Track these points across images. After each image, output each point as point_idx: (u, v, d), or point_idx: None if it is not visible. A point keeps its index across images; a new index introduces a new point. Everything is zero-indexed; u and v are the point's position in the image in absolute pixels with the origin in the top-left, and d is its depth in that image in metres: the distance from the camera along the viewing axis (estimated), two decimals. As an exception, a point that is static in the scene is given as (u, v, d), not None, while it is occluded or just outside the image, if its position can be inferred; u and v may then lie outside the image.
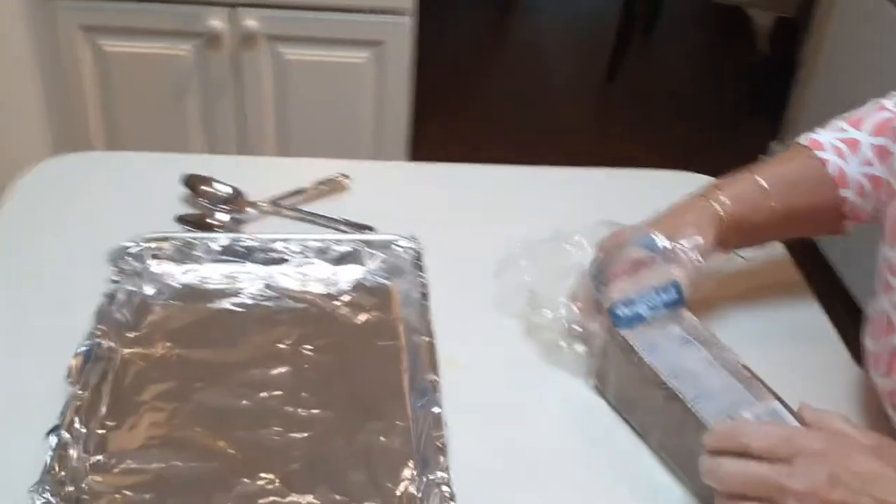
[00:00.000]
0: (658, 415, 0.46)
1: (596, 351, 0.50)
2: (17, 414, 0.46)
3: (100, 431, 0.45)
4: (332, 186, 0.67)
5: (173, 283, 0.55)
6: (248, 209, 0.64)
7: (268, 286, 0.56)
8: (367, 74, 1.22)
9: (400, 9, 1.17)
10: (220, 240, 0.57)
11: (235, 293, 0.55)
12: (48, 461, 0.41)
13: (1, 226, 0.61)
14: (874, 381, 0.49)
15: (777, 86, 1.74)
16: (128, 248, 0.56)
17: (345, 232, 0.62)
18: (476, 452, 0.45)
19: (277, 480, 0.43)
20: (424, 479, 0.43)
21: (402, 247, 0.58)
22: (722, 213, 0.52)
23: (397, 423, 0.47)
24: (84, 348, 0.47)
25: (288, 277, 0.57)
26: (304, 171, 0.68)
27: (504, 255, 0.55)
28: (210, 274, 0.56)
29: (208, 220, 0.62)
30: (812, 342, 0.56)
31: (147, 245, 0.56)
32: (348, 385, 0.49)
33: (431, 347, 0.49)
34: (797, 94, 1.64)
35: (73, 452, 0.42)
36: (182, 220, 0.62)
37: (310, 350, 0.51)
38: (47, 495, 0.39)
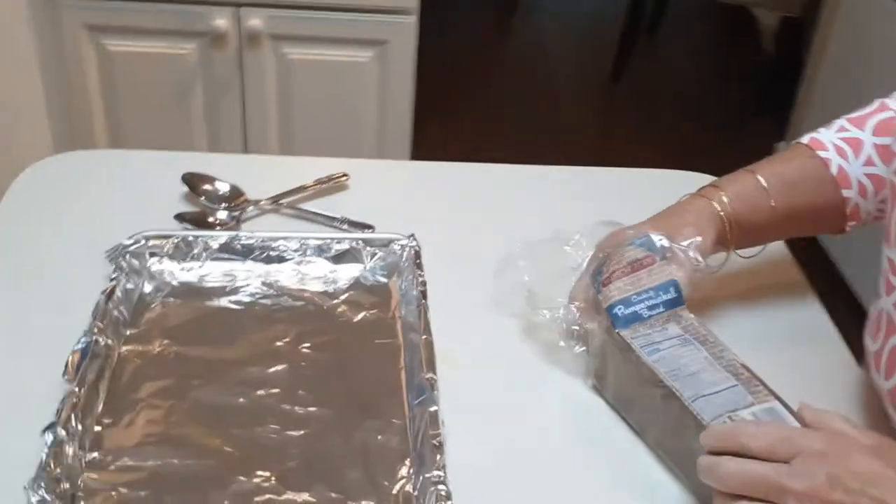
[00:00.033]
0: (656, 414, 0.46)
1: (594, 350, 0.50)
2: (14, 411, 0.46)
3: (96, 428, 0.45)
4: (331, 185, 0.67)
5: (172, 281, 0.56)
6: (248, 207, 0.64)
7: (266, 284, 0.56)
8: (370, 74, 1.22)
9: (403, 8, 1.17)
10: (220, 238, 0.57)
11: (234, 291, 0.55)
12: (44, 458, 0.41)
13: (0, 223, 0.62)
14: (875, 381, 0.48)
15: (782, 86, 1.73)
16: (127, 245, 0.56)
17: (344, 230, 0.62)
18: (473, 451, 0.45)
19: (274, 478, 0.43)
20: (421, 478, 0.43)
21: (401, 245, 0.58)
22: (722, 213, 0.52)
23: (394, 421, 0.47)
24: (81, 345, 0.47)
25: (286, 275, 0.57)
26: (305, 169, 0.68)
27: (503, 255, 0.55)
28: (209, 272, 0.56)
29: (208, 219, 0.62)
30: (813, 342, 0.56)
31: (146, 243, 0.56)
32: (346, 383, 0.49)
33: (429, 346, 0.49)
34: (803, 94, 1.64)
35: (68, 449, 0.42)
36: (181, 217, 0.62)
37: (307, 348, 0.51)
38: (42, 492, 0.39)
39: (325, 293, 0.55)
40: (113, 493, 0.42)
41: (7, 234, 0.61)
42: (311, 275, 0.57)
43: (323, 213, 0.63)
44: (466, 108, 1.86)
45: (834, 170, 0.52)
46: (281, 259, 0.57)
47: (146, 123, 1.24)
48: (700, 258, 0.50)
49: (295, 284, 0.56)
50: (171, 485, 0.43)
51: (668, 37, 2.29)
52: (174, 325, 0.52)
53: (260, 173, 0.69)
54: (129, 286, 0.54)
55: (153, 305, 0.54)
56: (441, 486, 0.41)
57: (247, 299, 0.55)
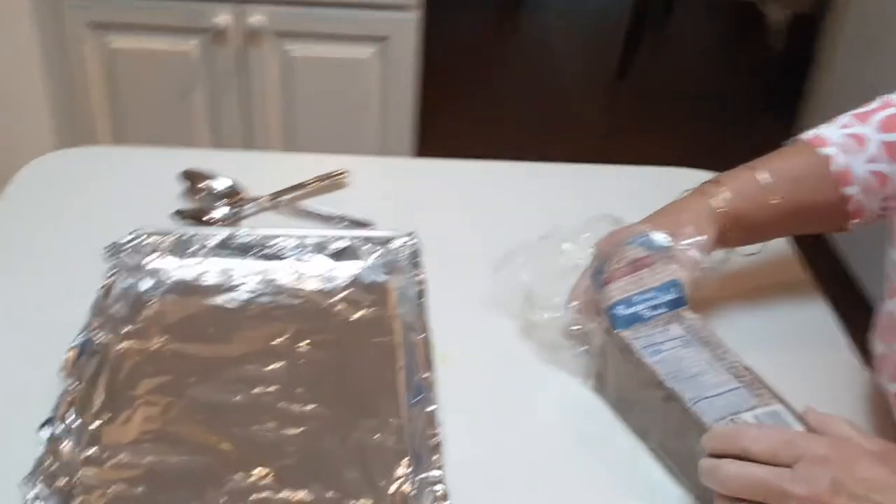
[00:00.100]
0: (657, 416, 0.45)
1: (594, 351, 0.50)
2: (12, 407, 0.46)
3: (93, 425, 0.45)
4: (331, 182, 0.66)
5: (170, 278, 0.55)
6: (247, 204, 0.63)
7: (264, 281, 0.56)
8: (372, 70, 1.22)
9: (405, 4, 1.17)
10: (218, 235, 0.57)
11: (232, 288, 0.55)
12: (40, 454, 0.41)
13: None
14: (882, 384, 0.48)
15: (792, 82, 1.72)
16: (125, 242, 0.56)
17: (343, 228, 0.61)
18: (471, 452, 0.45)
19: (270, 476, 0.43)
20: (418, 478, 0.42)
21: (400, 243, 0.57)
22: (723, 210, 0.51)
23: (391, 420, 0.46)
24: (79, 341, 0.47)
25: (285, 273, 0.56)
26: (305, 166, 0.67)
27: (503, 253, 0.55)
28: (207, 269, 0.56)
29: (206, 216, 0.62)
30: (818, 343, 0.55)
31: (145, 239, 0.56)
32: (343, 381, 0.49)
33: (427, 345, 0.49)
34: (812, 90, 1.62)
35: (65, 446, 0.42)
36: (180, 214, 0.61)
37: (305, 346, 0.51)
38: (39, 488, 0.39)
39: (323, 291, 0.55)
40: (109, 489, 0.42)
41: (6, 231, 0.61)
42: (310, 272, 0.57)
43: (322, 210, 0.63)
44: (470, 106, 1.86)
45: (836, 167, 0.52)
46: (279, 256, 0.57)
47: (148, 120, 1.24)
48: (703, 257, 0.49)
49: (293, 282, 0.56)
50: (168, 482, 0.43)
51: (676, 33, 2.28)
52: (172, 321, 0.52)
53: (260, 170, 0.68)
54: (128, 283, 0.54)
55: (151, 302, 0.53)
56: (438, 486, 0.41)
57: (245, 297, 0.55)
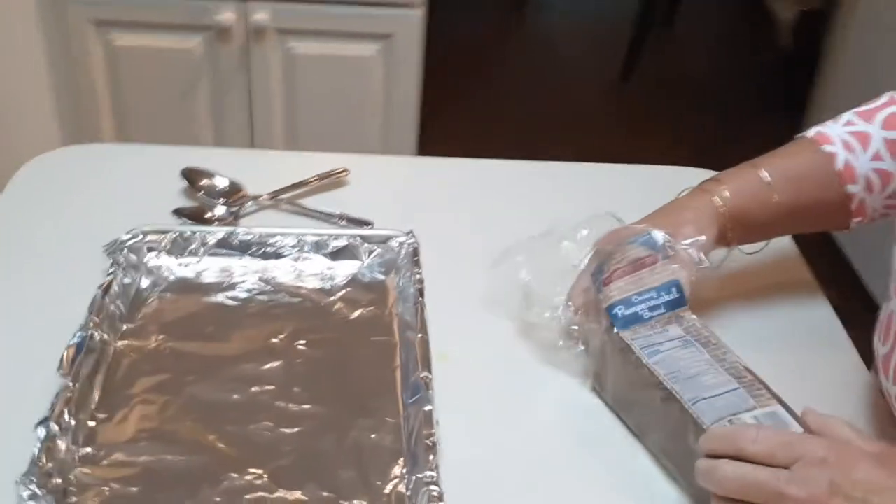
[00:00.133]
0: (656, 416, 0.45)
1: (594, 351, 0.49)
2: (8, 405, 0.46)
3: (90, 423, 0.45)
4: (331, 180, 0.66)
5: (169, 276, 0.55)
6: (247, 203, 0.63)
7: (263, 280, 0.56)
8: (376, 68, 1.21)
9: (409, 2, 1.17)
10: (217, 233, 0.57)
11: (231, 287, 0.55)
12: (36, 453, 0.41)
13: (-1, 217, 0.62)
14: (883, 385, 0.47)
15: (800, 80, 1.70)
16: (125, 240, 0.55)
17: (342, 227, 0.61)
18: (468, 452, 0.44)
19: (266, 476, 0.43)
20: (414, 478, 0.42)
21: (399, 242, 0.57)
22: (724, 209, 0.50)
23: (388, 420, 0.46)
24: (77, 340, 0.47)
25: (283, 272, 0.56)
26: (305, 164, 0.67)
27: (502, 253, 0.54)
28: (206, 267, 0.56)
29: (206, 214, 0.62)
30: (820, 344, 0.55)
31: (144, 238, 0.56)
32: (341, 381, 0.49)
33: (425, 344, 0.49)
34: (820, 88, 1.60)
35: (61, 444, 0.42)
36: (180, 212, 0.61)
37: (303, 345, 0.51)
38: (34, 487, 0.39)
39: (321, 290, 0.55)
40: (105, 488, 0.42)
41: (5, 228, 0.61)
42: (308, 271, 0.56)
43: (322, 209, 0.63)
44: (474, 105, 1.85)
45: (839, 164, 0.51)
46: (278, 255, 0.57)
47: (152, 118, 1.25)
48: (704, 257, 0.48)
49: (292, 281, 0.56)
50: (164, 481, 0.42)
51: (683, 31, 2.26)
52: (170, 320, 0.52)
53: (260, 168, 0.68)
54: (126, 281, 0.54)
55: (150, 300, 0.53)
56: (434, 487, 0.41)
57: (243, 295, 0.54)
